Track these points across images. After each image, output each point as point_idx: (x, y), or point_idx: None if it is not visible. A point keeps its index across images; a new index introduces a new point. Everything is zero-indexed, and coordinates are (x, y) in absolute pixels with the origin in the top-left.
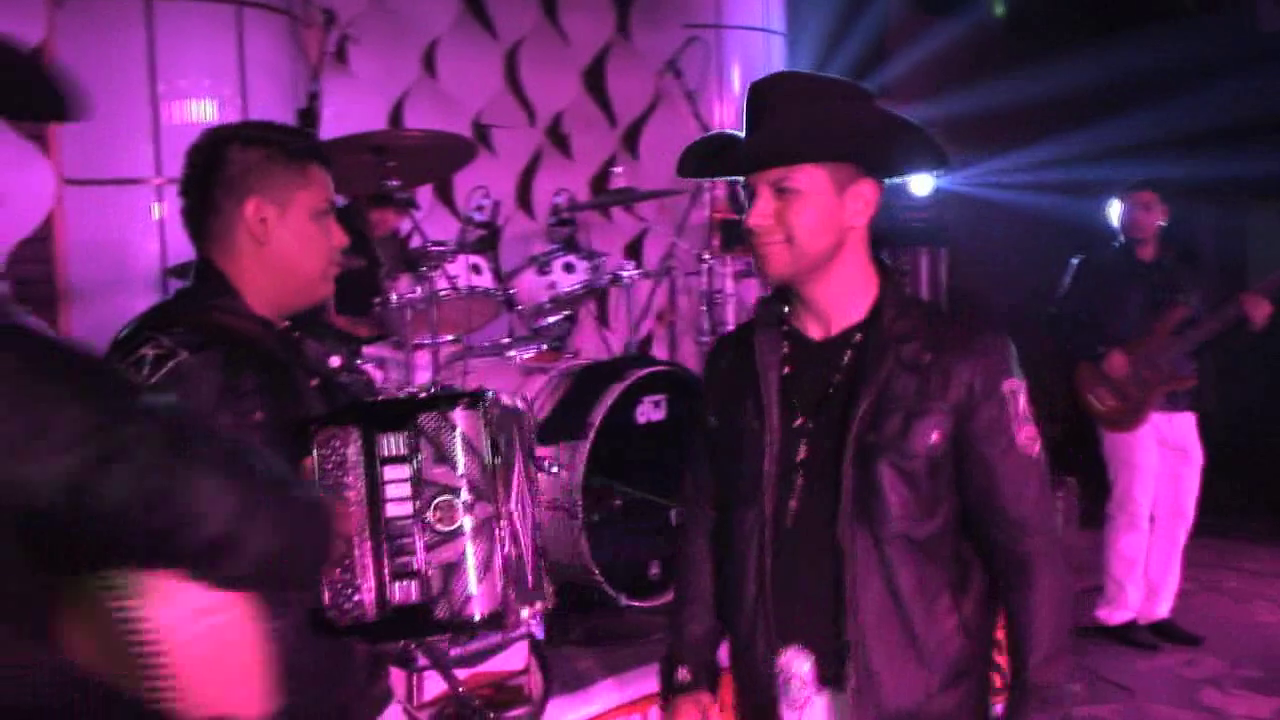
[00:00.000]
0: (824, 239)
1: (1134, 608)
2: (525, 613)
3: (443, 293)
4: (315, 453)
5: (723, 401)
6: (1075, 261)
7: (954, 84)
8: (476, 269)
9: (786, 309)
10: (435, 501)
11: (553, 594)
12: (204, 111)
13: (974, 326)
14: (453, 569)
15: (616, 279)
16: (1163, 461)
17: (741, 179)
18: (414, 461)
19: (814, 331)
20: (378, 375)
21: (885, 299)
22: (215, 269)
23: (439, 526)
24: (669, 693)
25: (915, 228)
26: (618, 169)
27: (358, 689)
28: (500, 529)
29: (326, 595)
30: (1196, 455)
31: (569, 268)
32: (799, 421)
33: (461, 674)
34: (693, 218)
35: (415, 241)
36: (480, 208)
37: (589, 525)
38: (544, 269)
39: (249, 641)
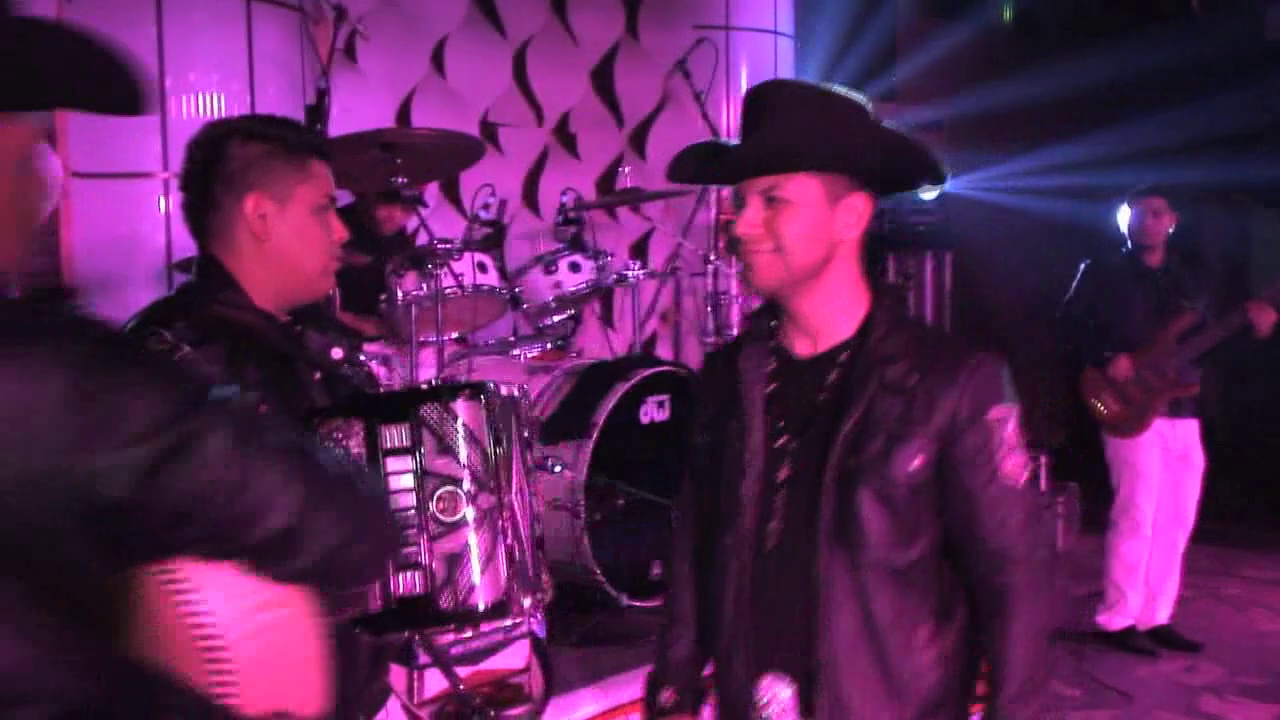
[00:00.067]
0: (813, 251)
1: (1133, 614)
2: (527, 602)
3: (448, 290)
4: None
5: (709, 417)
6: (1083, 266)
7: (962, 88)
8: (482, 267)
9: (775, 324)
10: (438, 492)
11: (550, 586)
12: (212, 106)
13: (964, 349)
14: (456, 559)
15: (622, 279)
16: (1165, 467)
17: (733, 186)
18: (417, 453)
19: (801, 348)
20: (381, 373)
21: (875, 317)
22: (217, 263)
23: (442, 517)
24: (652, 715)
25: (921, 232)
26: (625, 169)
27: (358, 685)
28: (502, 519)
29: None
30: (1198, 461)
31: (575, 267)
32: (783, 441)
33: (463, 672)
34: (699, 219)
35: (422, 239)
36: (487, 206)
37: (591, 525)
38: (550, 268)
39: (308, 637)
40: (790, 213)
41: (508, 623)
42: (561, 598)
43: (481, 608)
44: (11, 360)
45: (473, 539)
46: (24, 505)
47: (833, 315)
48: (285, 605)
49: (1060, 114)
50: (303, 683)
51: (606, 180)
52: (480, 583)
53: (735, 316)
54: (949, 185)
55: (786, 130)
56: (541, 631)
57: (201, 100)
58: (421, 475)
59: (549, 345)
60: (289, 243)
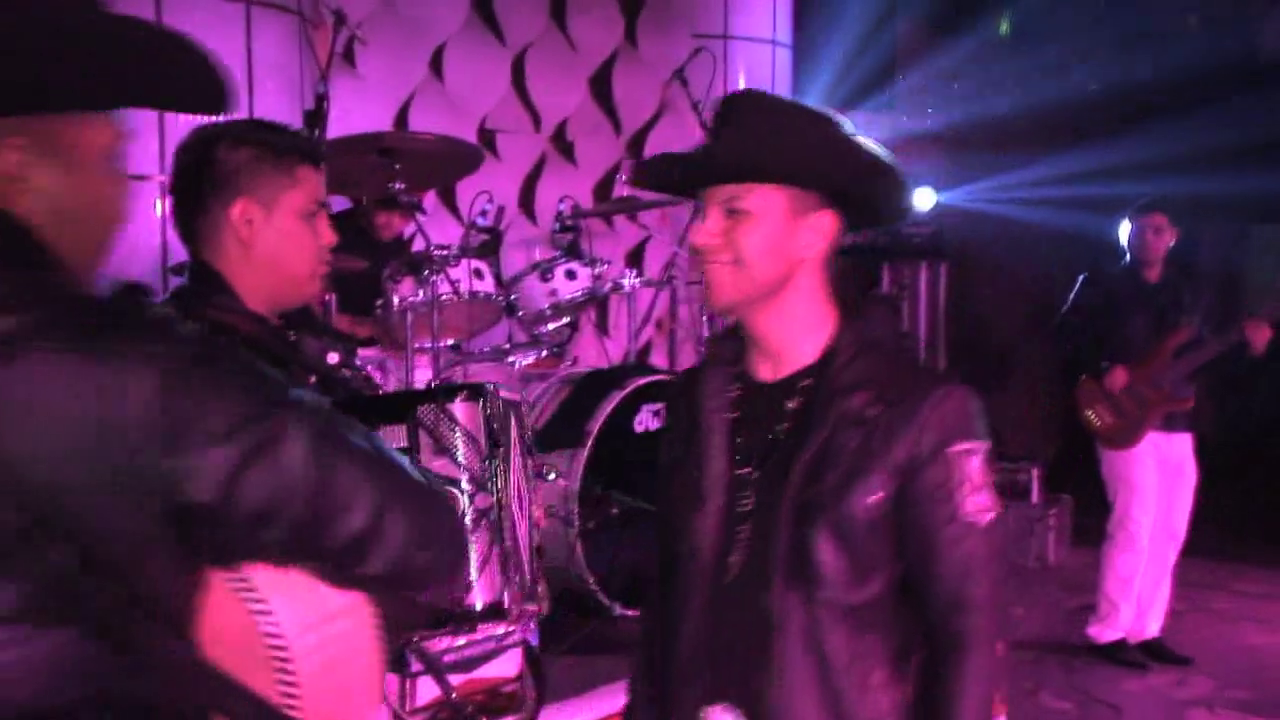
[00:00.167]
0: (773, 266)
1: (1124, 627)
2: (526, 607)
3: (444, 297)
4: None
5: (674, 444)
6: (1081, 278)
7: (959, 99)
8: (479, 274)
9: (739, 348)
10: None
11: (547, 597)
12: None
13: (931, 379)
14: None
15: (618, 287)
16: (1158, 480)
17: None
18: (414, 453)
19: (765, 372)
20: (376, 377)
21: (840, 341)
22: (209, 268)
23: None
24: None
25: (916, 243)
26: (623, 176)
27: None
28: (499, 521)
29: None
30: (1191, 475)
31: (571, 274)
32: (745, 470)
33: (455, 680)
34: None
35: (419, 245)
36: (484, 212)
37: (585, 533)
38: (546, 275)
39: (370, 650)
40: (751, 225)
41: (501, 630)
42: (555, 606)
43: (478, 608)
44: (103, 358)
45: (469, 539)
46: (110, 505)
47: (795, 337)
48: (350, 616)
49: (1056, 126)
50: (362, 696)
51: (604, 188)
52: (476, 583)
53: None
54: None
55: (751, 139)
56: (534, 640)
57: None
58: None
59: (544, 353)
60: (276, 248)
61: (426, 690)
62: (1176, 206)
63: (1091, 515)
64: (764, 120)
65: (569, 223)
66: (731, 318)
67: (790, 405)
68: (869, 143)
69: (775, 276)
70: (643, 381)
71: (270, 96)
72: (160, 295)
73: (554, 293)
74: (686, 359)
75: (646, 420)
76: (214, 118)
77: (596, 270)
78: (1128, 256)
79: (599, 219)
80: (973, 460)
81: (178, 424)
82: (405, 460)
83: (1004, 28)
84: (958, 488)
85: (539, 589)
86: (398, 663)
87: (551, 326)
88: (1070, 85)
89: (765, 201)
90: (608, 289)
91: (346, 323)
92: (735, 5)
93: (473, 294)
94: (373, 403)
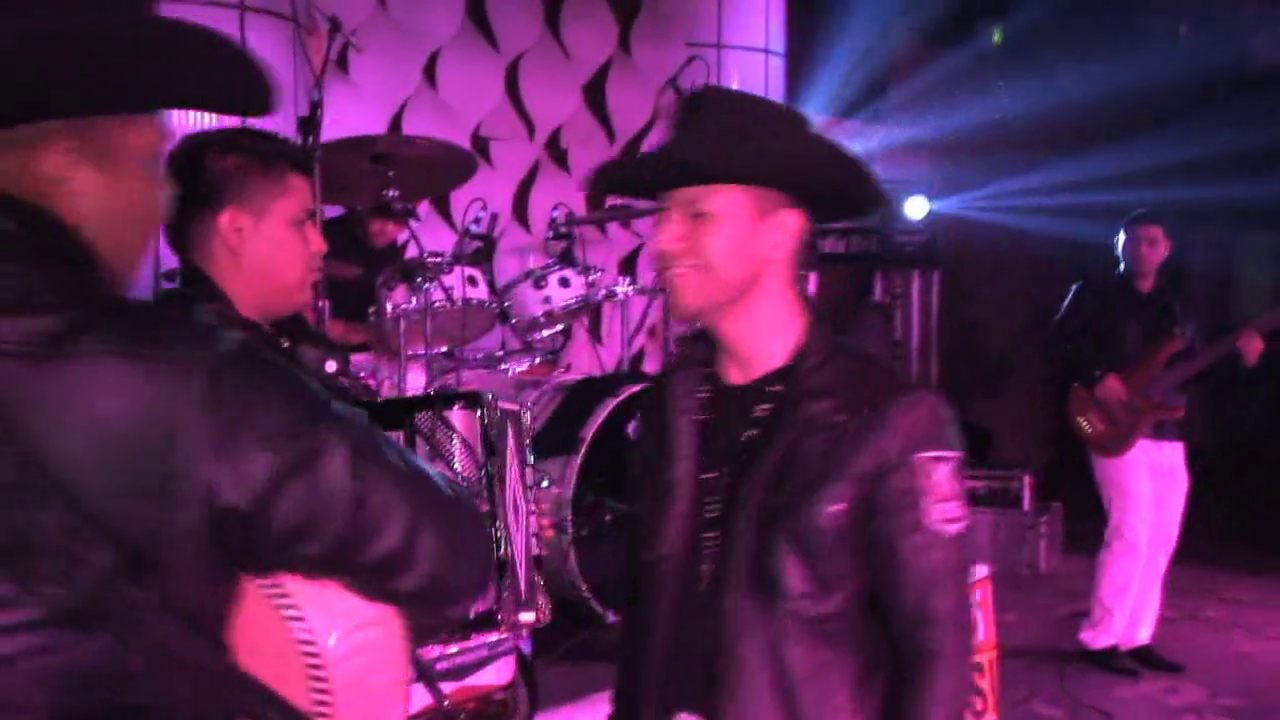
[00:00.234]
0: (740, 269)
1: (1117, 634)
2: (524, 616)
3: (438, 304)
4: None
5: (645, 447)
6: (1075, 286)
7: (952, 109)
8: (472, 281)
9: (709, 350)
10: None
11: (548, 607)
12: (203, 115)
13: (900, 385)
14: None
15: (611, 294)
16: (1151, 487)
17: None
18: None
19: (734, 376)
20: (369, 384)
21: (809, 345)
22: (201, 273)
23: None
24: None
25: (909, 251)
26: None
27: None
28: (495, 529)
29: None
30: (1183, 482)
31: (564, 282)
32: (714, 475)
33: (447, 688)
34: None
35: (412, 252)
36: (478, 219)
37: (579, 540)
38: (540, 283)
39: (398, 660)
40: (715, 227)
41: (494, 638)
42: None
43: (471, 615)
44: (150, 361)
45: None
46: (151, 508)
47: (763, 340)
48: (380, 625)
49: (1048, 134)
50: (389, 706)
51: (597, 195)
52: None
53: None
54: (937, 204)
55: (712, 140)
56: (527, 648)
57: (192, 109)
58: None
59: (538, 360)
60: (266, 256)
61: (418, 698)
62: (1170, 215)
63: (1083, 522)
64: (724, 120)
65: (562, 230)
66: (699, 323)
67: (758, 410)
68: (830, 138)
69: (742, 279)
70: (636, 389)
71: None
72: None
73: (547, 300)
74: None
75: None
76: (257, 119)
77: (590, 277)
78: (1122, 266)
79: (592, 226)
80: (940, 468)
81: (222, 430)
82: (435, 473)
83: (996, 37)
84: (923, 496)
85: (538, 599)
86: None
87: (545, 334)
88: (1062, 93)
89: (729, 203)
90: (601, 296)
91: (340, 329)
92: (729, 14)
93: (466, 301)
94: (369, 409)
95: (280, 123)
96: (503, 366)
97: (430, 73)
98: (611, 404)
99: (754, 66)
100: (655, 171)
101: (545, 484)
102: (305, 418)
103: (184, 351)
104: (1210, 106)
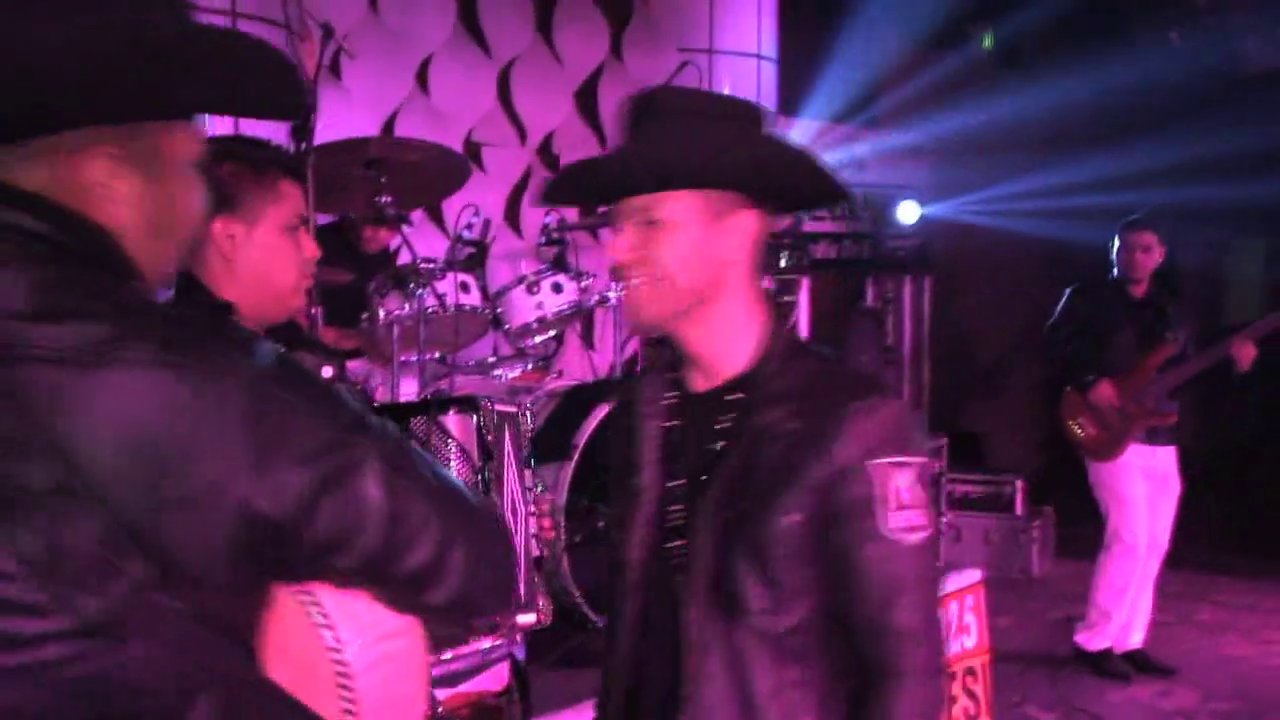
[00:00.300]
0: (697, 276)
1: (1112, 636)
2: (524, 619)
3: (431, 310)
4: None
5: (618, 452)
6: (1069, 291)
7: (943, 113)
8: (465, 287)
9: (677, 353)
10: None
11: (549, 609)
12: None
13: (860, 389)
14: None
15: (604, 300)
16: (1146, 490)
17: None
18: None
19: (698, 382)
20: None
21: (770, 349)
22: (195, 279)
23: None
24: None
25: (900, 256)
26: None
27: None
28: None
29: None
30: (1175, 487)
31: (557, 288)
32: (680, 483)
33: (441, 693)
34: None
35: (405, 257)
36: (470, 225)
37: (572, 546)
38: (532, 288)
39: (420, 668)
40: (668, 235)
41: (488, 644)
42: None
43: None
44: (190, 372)
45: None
46: (189, 519)
47: (726, 346)
48: (404, 636)
49: (1040, 139)
50: (411, 717)
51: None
52: None
53: None
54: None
55: (659, 145)
56: (521, 653)
57: None
58: None
59: (530, 366)
60: (259, 263)
61: None
62: (1163, 218)
63: (1076, 527)
64: (673, 124)
65: (555, 236)
66: (658, 333)
67: (720, 417)
68: (778, 133)
69: (700, 286)
70: None
71: None
72: None
73: (540, 306)
74: None
75: None
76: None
77: (583, 283)
78: (1115, 271)
79: (585, 232)
80: (899, 475)
81: (260, 442)
82: (463, 485)
83: (987, 42)
84: (879, 503)
85: (538, 601)
86: None
87: (538, 339)
88: (1054, 99)
89: (681, 209)
90: (594, 302)
91: (332, 335)
92: (721, 20)
93: (459, 307)
94: None
95: (273, 129)
96: (495, 372)
97: (423, 78)
98: (604, 410)
99: (746, 72)
100: (606, 180)
101: (540, 489)
102: (342, 431)
103: (223, 363)
104: (1201, 110)
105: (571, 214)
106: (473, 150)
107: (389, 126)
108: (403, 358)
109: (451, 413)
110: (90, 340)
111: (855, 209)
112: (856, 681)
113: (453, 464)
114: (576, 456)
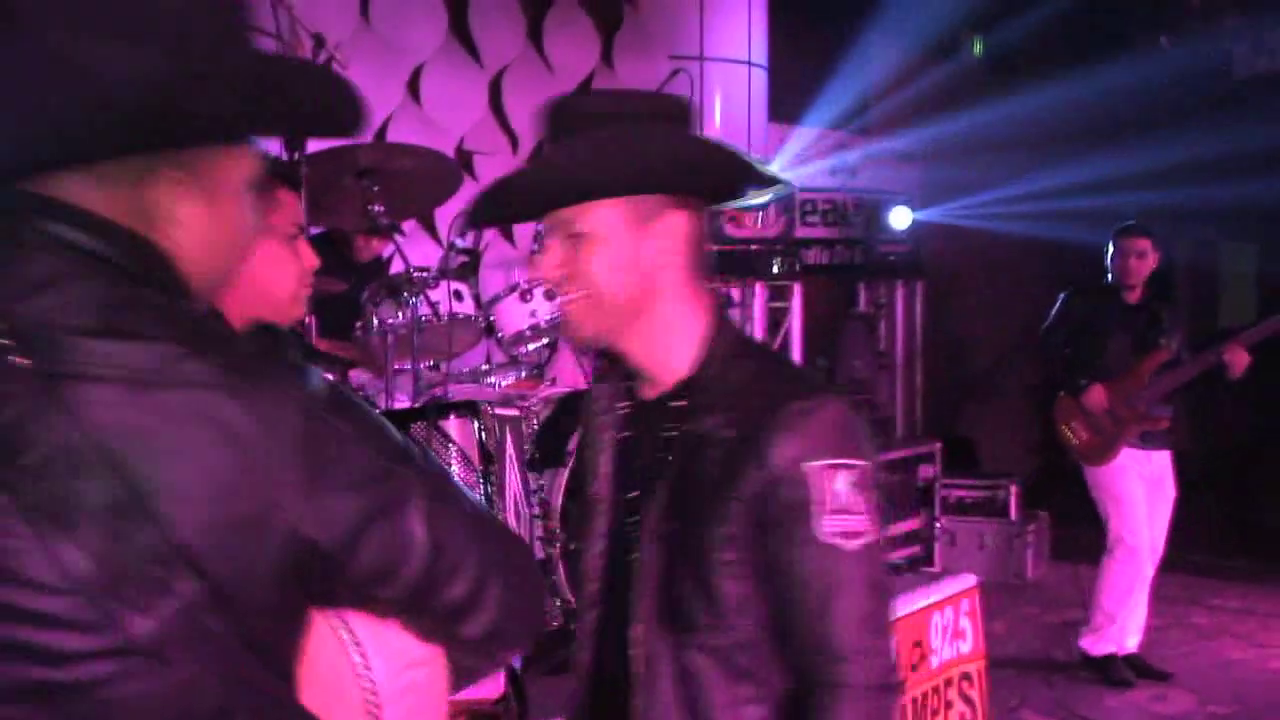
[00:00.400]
0: (628, 286)
1: (1116, 640)
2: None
3: (424, 319)
4: None
5: (581, 462)
6: (1063, 295)
7: (935, 119)
8: (458, 295)
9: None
10: None
11: (557, 613)
12: None
13: (799, 391)
14: None
15: None
16: (1143, 493)
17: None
18: None
19: (646, 390)
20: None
21: (711, 352)
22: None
23: None
24: None
25: (892, 261)
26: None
27: None
28: None
29: None
30: (1170, 491)
31: (550, 295)
32: (634, 494)
33: None
34: None
35: (398, 266)
36: (463, 234)
37: (567, 552)
38: (525, 296)
39: (442, 700)
40: (594, 247)
41: None
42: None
43: None
44: (251, 397)
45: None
46: (240, 542)
47: (666, 352)
48: (429, 665)
49: (1031, 144)
50: None
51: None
52: None
53: None
54: (921, 214)
55: (572, 156)
56: (517, 661)
57: None
58: None
59: (523, 373)
60: (259, 272)
61: None
62: (1155, 222)
63: (1070, 531)
64: (586, 132)
65: None
66: (599, 347)
67: (665, 426)
68: (694, 130)
69: (633, 296)
70: None
71: None
72: None
73: (533, 314)
74: None
75: None
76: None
77: None
78: (1109, 276)
79: None
80: (836, 477)
81: (313, 469)
82: (494, 515)
83: (977, 48)
84: (814, 506)
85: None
86: None
87: (531, 347)
88: (1045, 104)
89: (604, 219)
90: None
91: (326, 346)
92: (711, 27)
93: (452, 316)
94: None
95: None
96: (489, 380)
97: (414, 88)
98: None
99: (737, 79)
100: (526, 196)
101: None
102: (390, 461)
103: (280, 389)
104: (1193, 114)
105: None
106: (464, 159)
107: (381, 136)
108: (396, 366)
109: (452, 417)
110: (152, 360)
111: (788, 189)
112: (797, 695)
113: (454, 469)
114: (570, 463)
